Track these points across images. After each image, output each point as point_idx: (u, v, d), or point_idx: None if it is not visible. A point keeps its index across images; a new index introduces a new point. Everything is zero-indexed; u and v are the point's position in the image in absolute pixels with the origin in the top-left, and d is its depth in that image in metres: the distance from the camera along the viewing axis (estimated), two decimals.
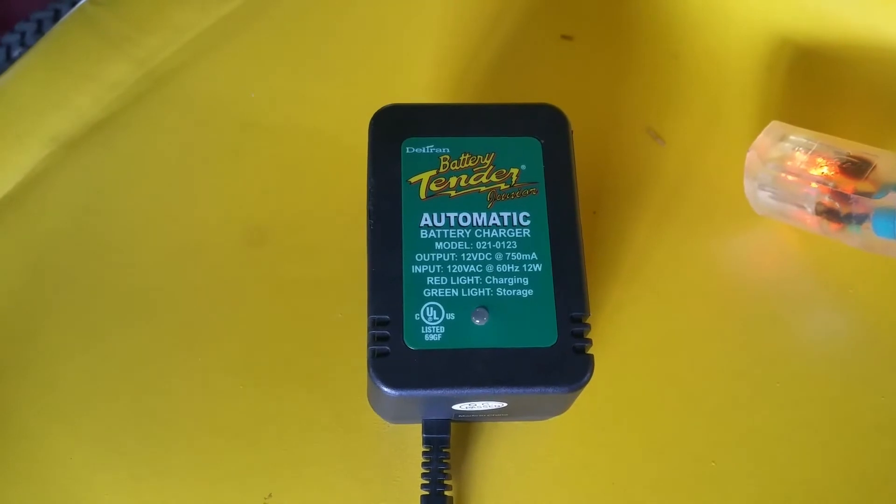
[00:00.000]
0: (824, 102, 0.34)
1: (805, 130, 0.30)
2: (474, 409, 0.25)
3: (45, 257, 0.31)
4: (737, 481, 0.28)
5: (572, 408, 0.27)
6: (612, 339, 0.30)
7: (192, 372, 0.29)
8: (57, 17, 0.60)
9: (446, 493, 0.26)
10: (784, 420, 0.29)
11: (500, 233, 0.25)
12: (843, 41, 0.35)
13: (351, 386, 0.28)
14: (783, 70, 0.35)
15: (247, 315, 0.30)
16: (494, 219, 0.25)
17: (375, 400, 0.26)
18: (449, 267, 0.24)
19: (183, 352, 0.29)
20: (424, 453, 0.26)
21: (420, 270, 0.24)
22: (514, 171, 0.25)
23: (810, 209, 0.30)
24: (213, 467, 0.28)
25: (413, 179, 0.25)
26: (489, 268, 0.24)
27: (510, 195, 0.25)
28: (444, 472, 0.26)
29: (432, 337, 0.23)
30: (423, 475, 0.26)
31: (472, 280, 0.24)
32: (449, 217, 0.25)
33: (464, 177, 0.25)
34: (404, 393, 0.23)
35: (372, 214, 0.25)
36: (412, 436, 0.27)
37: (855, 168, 0.29)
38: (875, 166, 0.28)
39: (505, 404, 0.24)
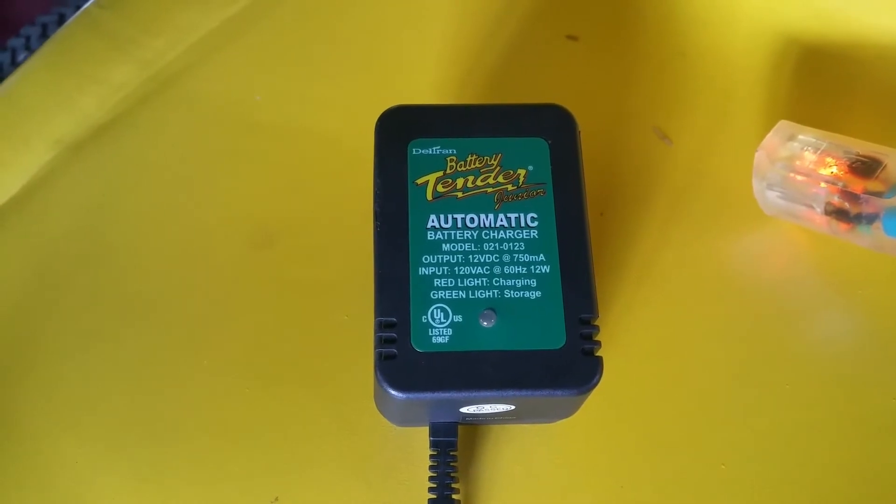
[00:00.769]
0: (833, 101, 0.34)
1: (814, 130, 0.30)
2: (482, 411, 0.25)
3: (50, 259, 0.31)
4: (746, 484, 0.28)
5: (580, 410, 0.27)
6: (620, 340, 0.29)
7: (197, 374, 0.29)
8: (62, 20, 0.60)
9: (454, 496, 0.26)
10: (794, 422, 0.29)
11: (508, 234, 0.25)
12: (852, 39, 0.35)
13: (357, 388, 0.28)
14: (791, 69, 0.35)
15: (252, 317, 0.30)
16: (502, 220, 0.25)
17: (382, 403, 0.26)
18: (456, 269, 0.24)
19: (188, 354, 0.29)
20: (432, 456, 0.26)
21: (427, 272, 0.24)
22: (522, 171, 0.25)
23: (819, 209, 0.29)
24: (218, 470, 0.28)
25: (420, 181, 0.25)
26: (497, 269, 0.24)
27: (517, 196, 0.25)
28: (452, 475, 0.26)
29: (440, 339, 0.23)
30: (431, 478, 0.26)
31: (480, 282, 0.24)
32: (456, 218, 0.25)
33: (471, 178, 0.25)
34: (411, 396, 0.23)
35: (378, 216, 0.25)
36: (419, 438, 0.27)
37: (865, 167, 0.29)
38: (885, 165, 0.28)
39: (513, 407, 0.24)
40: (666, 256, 0.31)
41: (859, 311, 0.31)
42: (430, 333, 0.23)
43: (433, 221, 0.25)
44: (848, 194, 0.29)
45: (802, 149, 0.30)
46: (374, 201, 0.25)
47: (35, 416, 0.29)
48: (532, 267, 0.24)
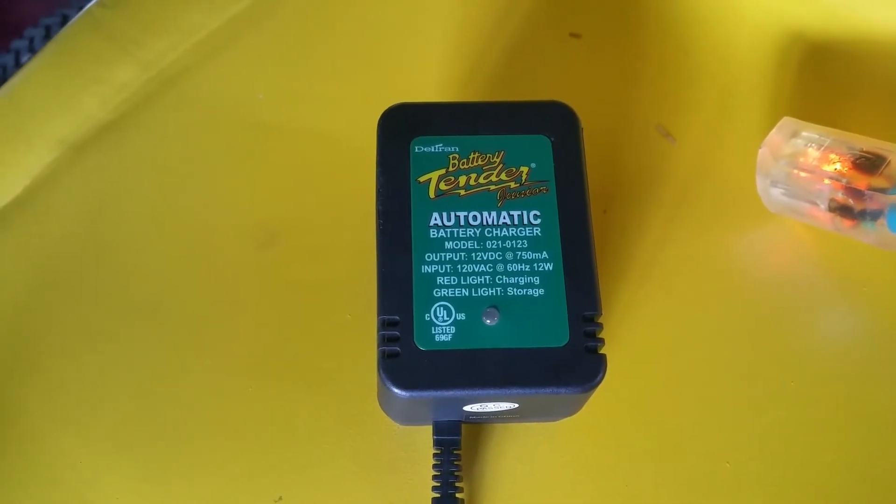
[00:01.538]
0: (836, 98, 0.34)
1: (817, 126, 0.30)
2: (486, 410, 0.24)
3: (52, 260, 0.31)
4: (751, 482, 0.28)
5: (584, 409, 0.27)
6: (623, 338, 0.29)
7: (200, 373, 0.29)
8: (65, 21, 0.60)
9: (458, 495, 0.26)
10: (798, 419, 0.29)
11: (511, 232, 0.24)
12: (855, 36, 0.35)
13: (361, 387, 0.28)
14: (794, 66, 0.35)
15: (256, 316, 0.30)
16: (504, 218, 0.25)
17: (386, 401, 0.26)
18: (459, 266, 0.24)
19: (192, 354, 0.29)
20: (435, 455, 0.26)
21: (430, 270, 0.24)
22: (524, 169, 0.25)
23: (823, 206, 0.29)
24: (222, 469, 0.28)
25: (422, 179, 0.25)
26: (500, 267, 0.24)
27: (520, 194, 0.25)
28: (456, 474, 0.26)
29: (443, 337, 0.23)
30: (435, 477, 0.26)
31: (483, 280, 0.24)
32: (458, 216, 0.25)
33: (473, 175, 0.25)
34: (415, 394, 0.23)
35: (381, 214, 0.25)
36: (423, 438, 0.27)
37: (868, 164, 0.28)
38: (889, 162, 0.28)
39: (516, 405, 0.24)
40: (669, 254, 0.31)
41: (863, 307, 0.31)
42: (434, 332, 0.23)
43: (436, 219, 0.25)
44: (852, 191, 0.28)
45: (806, 145, 0.30)
46: (377, 199, 0.25)
47: (39, 416, 0.29)
48: (535, 265, 0.24)
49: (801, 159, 0.30)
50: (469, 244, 0.24)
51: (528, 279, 0.24)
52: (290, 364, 0.29)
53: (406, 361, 0.23)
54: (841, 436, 0.28)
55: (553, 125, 0.26)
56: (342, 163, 0.32)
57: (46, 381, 0.29)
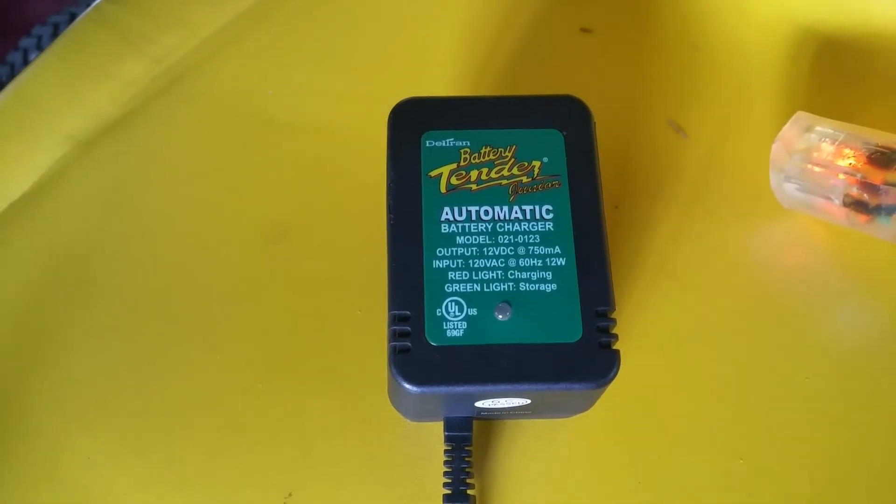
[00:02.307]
0: (850, 92, 0.34)
1: (831, 121, 0.30)
2: (497, 406, 0.24)
3: (61, 255, 0.31)
4: (765, 479, 0.27)
5: (596, 405, 0.26)
6: (636, 334, 0.29)
7: (209, 370, 0.29)
8: (73, 20, 0.61)
9: (469, 491, 0.25)
10: (813, 416, 0.28)
11: (523, 226, 0.24)
12: (869, 30, 0.35)
13: (371, 383, 0.28)
14: (807, 60, 0.34)
15: (266, 312, 0.30)
16: (516, 212, 0.24)
17: (396, 397, 0.25)
18: (470, 261, 0.24)
19: (201, 350, 0.29)
20: (446, 451, 0.26)
21: (441, 265, 0.24)
22: (536, 163, 0.25)
23: (838, 201, 0.29)
24: (232, 466, 0.27)
25: (433, 173, 0.25)
26: (511, 262, 0.24)
27: (532, 188, 0.25)
28: (467, 470, 0.26)
29: (454, 333, 0.23)
30: (446, 474, 0.26)
31: (495, 275, 0.24)
32: (470, 211, 0.24)
33: (485, 170, 0.25)
34: (426, 390, 0.23)
35: (392, 209, 0.24)
36: (434, 434, 0.27)
37: (883, 158, 0.28)
38: None
39: (529, 401, 0.24)
40: (682, 249, 0.31)
41: (878, 303, 0.30)
42: (445, 327, 0.23)
43: (447, 214, 0.24)
44: (867, 185, 0.28)
45: (820, 140, 0.29)
46: (388, 194, 0.25)
47: (47, 412, 0.28)
48: (547, 259, 0.24)
49: (815, 154, 0.29)
50: (481, 239, 0.24)
51: (541, 274, 0.24)
52: (300, 360, 0.29)
53: (417, 357, 0.23)
54: (855, 432, 0.28)
55: (565, 119, 0.25)
56: (352, 158, 0.32)
57: (55, 378, 0.29)
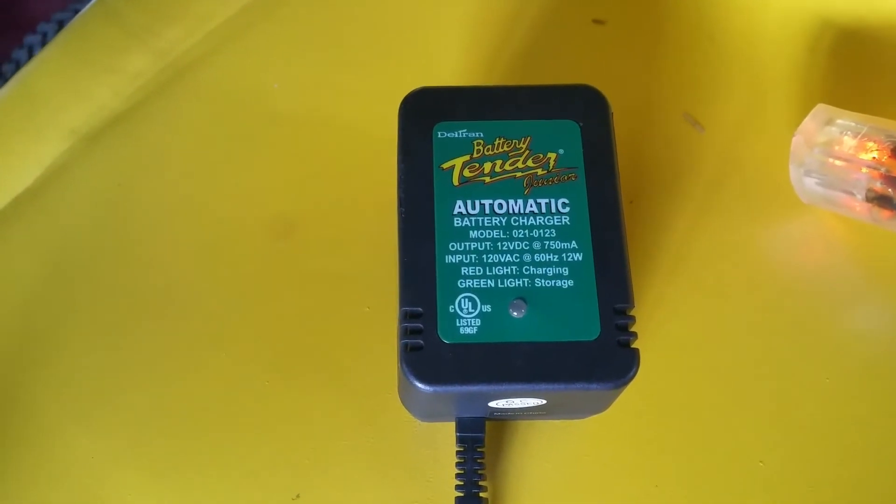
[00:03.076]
0: (871, 84, 0.33)
1: (853, 113, 0.29)
2: (511, 406, 0.24)
3: (65, 251, 0.31)
4: (785, 481, 0.27)
5: (611, 405, 0.26)
6: (653, 332, 0.28)
7: (216, 368, 0.28)
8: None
9: (481, 494, 0.25)
10: (833, 417, 0.28)
11: (538, 220, 0.24)
12: (887, 20, 0.34)
13: (381, 382, 0.27)
14: (826, 51, 0.34)
15: (272, 309, 0.29)
16: (531, 206, 0.24)
17: (407, 396, 0.25)
18: (484, 256, 0.23)
19: (207, 347, 0.29)
20: (458, 453, 0.25)
21: (454, 260, 0.23)
22: (552, 155, 0.24)
23: (860, 196, 0.28)
24: (238, 466, 0.27)
25: (445, 165, 0.24)
26: (527, 257, 0.23)
27: (548, 181, 0.24)
28: (479, 472, 0.25)
29: (468, 330, 0.22)
30: (458, 475, 0.25)
31: (509, 270, 0.23)
32: (483, 204, 0.24)
33: (498, 162, 0.24)
34: (439, 389, 0.22)
35: (403, 202, 0.24)
36: (445, 434, 0.26)
37: None
38: None
39: (544, 401, 0.23)
40: (699, 245, 0.30)
41: None
42: (458, 324, 0.22)
43: (460, 207, 0.24)
44: (891, 179, 0.27)
45: (841, 133, 0.29)
46: (398, 187, 0.24)
47: (51, 410, 0.28)
48: (564, 255, 0.23)
49: (837, 147, 0.29)
50: (495, 233, 0.23)
51: (557, 270, 0.23)
52: (308, 358, 0.28)
53: (429, 355, 0.22)
54: (877, 433, 0.27)
55: (582, 110, 0.25)
56: (359, 152, 0.31)
57: (59, 374, 0.29)
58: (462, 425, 0.25)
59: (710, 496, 0.27)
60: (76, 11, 0.63)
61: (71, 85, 0.33)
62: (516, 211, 0.24)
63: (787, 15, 0.34)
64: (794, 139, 0.29)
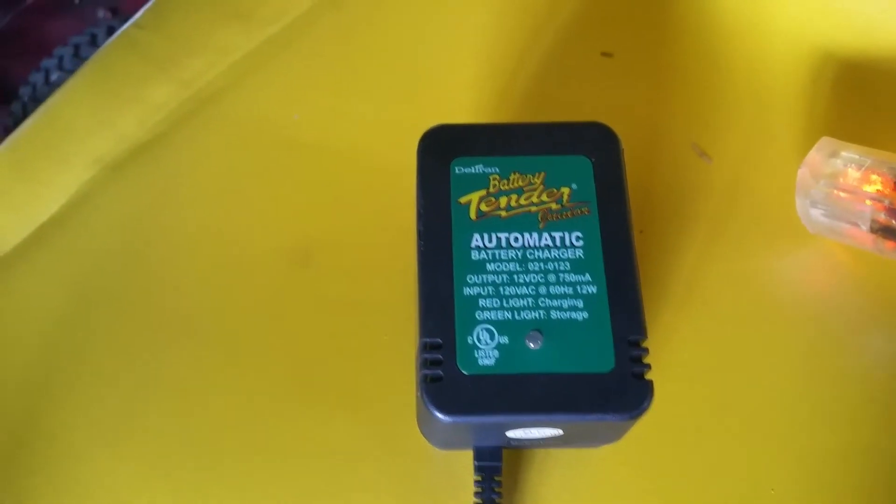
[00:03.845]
0: (874, 117, 0.34)
1: (857, 146, 0.30)
2: (529, 436, 0.24)
3: (89, 277, 0.31)
4: None
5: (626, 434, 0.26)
6: (664, 361, 0.29)
7: (236, 394, 0.29)
8: (94, 41, 0.61)
9: None
10: (845, 444, 0.28)
11: (553, 253, 0.24)
12: (892, 54, 0.35)
13: (398, 410, 0.28)
14: (829, 84, 0.34)
15: (291, 336, 0.30)
16: (546, 239, 0.24)
17: (426, 425, 0.25)
18: (501, 289, 0.24)
19: (227, 374, 0.29)
20: (476, 482, 0.26)
21: (472, 292, 0.24)
22: (565, 190, 0.25)
23: (865, 227, 0.29)
24: (257, 492, 0.27)
25: (463, 199, 0.25)
26: (542, 289, 0.24)
27: (562, 215, 0.25)
28: (497, 501, 0.25)
29: (486, 361, 0.23)
30: None
31: (526, 302, 0.24)
32: (500, 237, 0.24)
33: (514, 196, 0.25)
34: (458, 419, 0.22)
35: (422, 235, 0.24)
36: (463, 462, 0.27)
37: None
38: None
39: (560, 431, 0.24)
40: (708, 275, 0.31)
41: None
42: (476, 355, 0.23)
43: (477, 240, 0.24)
44: (894, 211, 0.28)
45: (846, 166, 0.29)
46: (418, 220, 0.25)
47: (75, 434, 0.29)
48: (578, 287, 0.24)
49: (842, 180, 0.29)
50: (511, 266, 0.24)
51: (572, 302, 0.24)
52: (326, 385, 0.29)
53: (449, 385, 0.23)
54: (886, 461, 0.28)
55: (593, 146, 0.25)
56: (377, 182, 0.32)
57: (83, 398, 0.29)
58: (480, 454, 0.25)
59: None
60: (92, 35, 0.64)
61: (96, 115, 0.34)
62: (532, 244, 0.24)
63: (791, 48, 0.35)
64: (799, 171, 0.30)
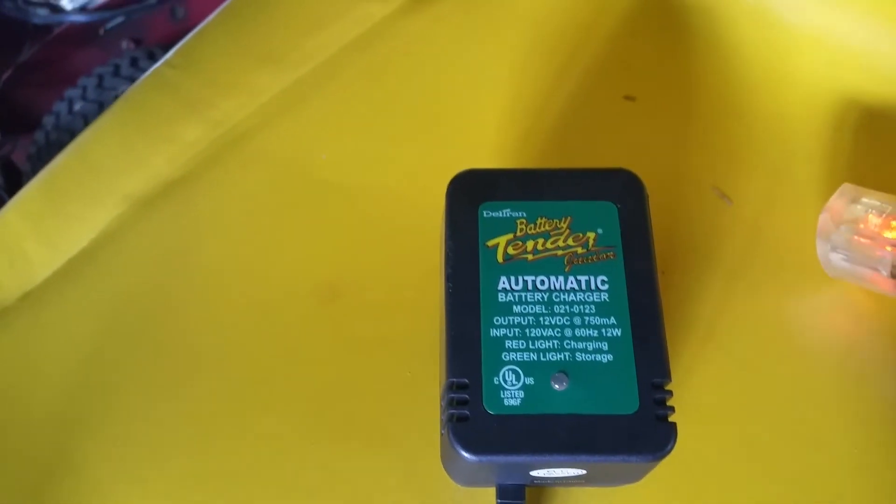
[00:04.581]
0: (893, 162, 0.34)
1: (878, 193, 0.30)
2: (552, 475, 0.24)
3: (118, 312, 0.32)
4: None
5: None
6: (685, 402, 0.29)
7: (261, 430, 0.29)
8: (117, 72, 0.63)
9: None
10: (866, 487, 0.28)
11: (578, 297, 0.25)
12: None
13: (421, 446, 0.28)
14: (850, 130, 0.35)
15: (317, 372, 0.30)
16: (572, 282, 0.25)
17: (451, 463, 0.26)
18: (527, 330, 0.24)
19: (254, 410, 0.30)
20: None
21: (498, 334, 0.24)
22: (591, 234, 0.25)
23: (885, 272, 0.29)
24: None
25: (490, 243, 0.25)
26: (567, 332, 0.24)
27: (587, 259, 0.25)
28: None
29: (512, 402, 0.23)
30: None
31: (551, 344, 0.24)
32: (527, 280, 0.25)
33: (541, 240, 0.25)
34: (484, 458, 0.23)
35: (450, 278, 0.25)
36: (486, 500, 0.27)
37: None
38: None
39: (584, 471, 0.24)
40: (728, 317, 0.31)
41: None
42: (502, 395, 0.23)
43: (504, 283, 0.25)
44: None
45: (867, 212, 0.30)
46: (446, 263, 0.25)
47: (102, 469, 0.29)
48: (603, 330, 0.24)
49: (862, 226, 0.30)
50: (537, 308, 0.25)
51: (597, 344, 0.24)
52: (351, 421, 0.29)
53: (475, 425, 0.23)
54: None
55: (619, 192, 0.26)
56: (403, 221, 0.33)
57: (111, 433, 0.29)
58: (503, 492, 0.26)
59: None
60: (116, 66, 0.65)
61: (127, 152, 0.35)
62: (558, 287, 0.25)
63: (812, 94, 0.35)
64: (821, 216, 0.30)
